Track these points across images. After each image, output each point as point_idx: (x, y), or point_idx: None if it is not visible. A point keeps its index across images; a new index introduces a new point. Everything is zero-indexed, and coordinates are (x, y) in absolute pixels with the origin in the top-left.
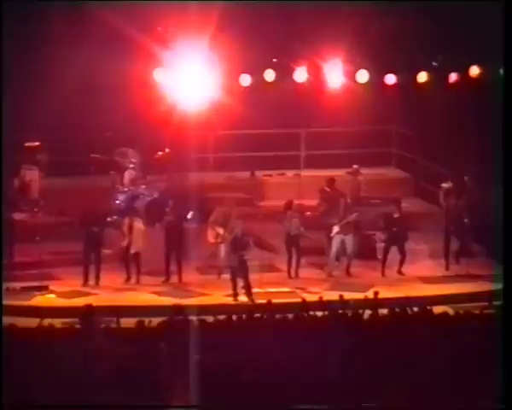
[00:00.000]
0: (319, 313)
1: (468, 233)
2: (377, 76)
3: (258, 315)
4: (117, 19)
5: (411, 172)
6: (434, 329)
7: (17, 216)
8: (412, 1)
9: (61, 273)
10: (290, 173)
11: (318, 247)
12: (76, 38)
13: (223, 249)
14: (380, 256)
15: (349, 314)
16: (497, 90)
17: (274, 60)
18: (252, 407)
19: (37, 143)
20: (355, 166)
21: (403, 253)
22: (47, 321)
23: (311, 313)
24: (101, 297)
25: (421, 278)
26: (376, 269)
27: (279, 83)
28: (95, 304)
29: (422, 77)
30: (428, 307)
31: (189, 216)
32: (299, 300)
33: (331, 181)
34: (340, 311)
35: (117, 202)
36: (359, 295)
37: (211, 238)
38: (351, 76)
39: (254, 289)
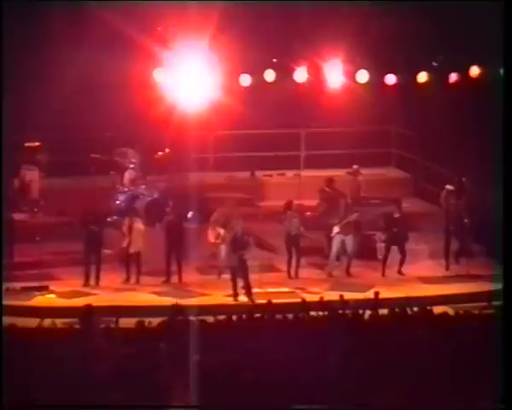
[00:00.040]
0: (319, 314)
1: (468, 233)
2: (377, 76)
3: (258, 315)
4: (117, 19)
5: (411, 172)
6: (434, 329)
7: (17, 216)
8: (412, 1)
9: (61, 273)
10: (290, 173)
11: (318, 247)
12: (76, 37)
13: (223, 249)
14: (380, 256)
15: (349, 315)
16: (497, 90)
17: (274, 60)
18: (252, 407)
19: (37, 143)
20: (355, 167)
21: (403, 253)
22: (47, 321)
23: (312, 313)
24: (101, 297)
25: (422, 278)
26: (376, 269)
27: (279, 83)
28: (94, 304)
29: (422, 77)
30: (428, 308)
31: (189, 216)
32: (299, 300)
33: (331, 181)
34: (341, 311)
35: (117, 202)
36: (359, 296)
37: (211, 238)
38: (351, 76)
39: (254, 290)
